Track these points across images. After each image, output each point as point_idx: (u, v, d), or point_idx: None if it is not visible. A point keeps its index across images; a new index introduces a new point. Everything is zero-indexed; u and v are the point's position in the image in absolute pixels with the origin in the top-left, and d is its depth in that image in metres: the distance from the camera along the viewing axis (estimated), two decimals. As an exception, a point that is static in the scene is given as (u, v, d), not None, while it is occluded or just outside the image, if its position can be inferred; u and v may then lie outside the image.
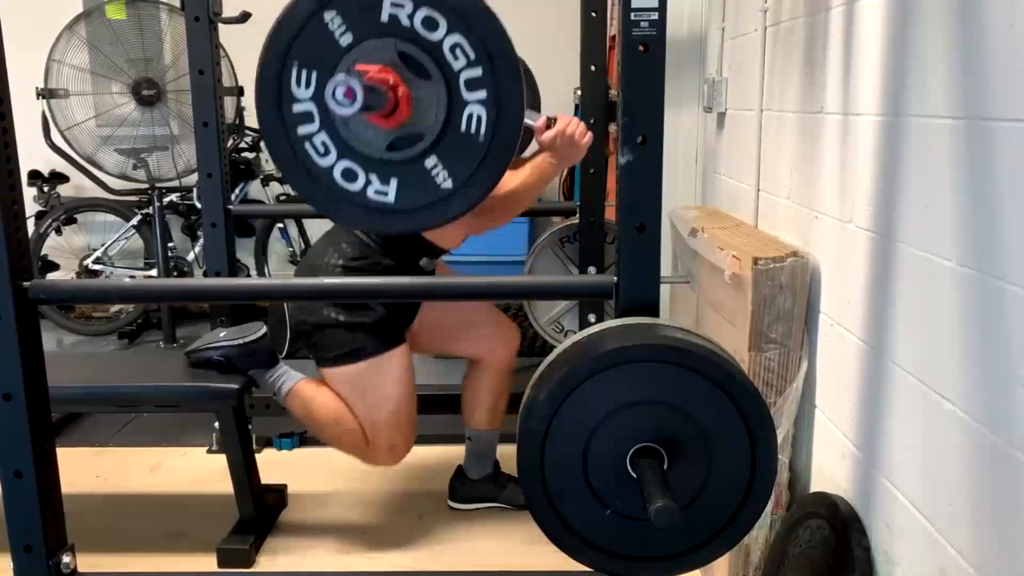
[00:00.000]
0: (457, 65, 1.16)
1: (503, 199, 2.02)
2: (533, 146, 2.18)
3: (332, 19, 1.15)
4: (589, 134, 2.15)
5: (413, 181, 1.20)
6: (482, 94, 1.17)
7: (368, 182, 1.20)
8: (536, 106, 2.88)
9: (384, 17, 1.15)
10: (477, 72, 1.16)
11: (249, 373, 2.20)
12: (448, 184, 1.20)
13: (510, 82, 1.16)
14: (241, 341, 2.20)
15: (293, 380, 2.21)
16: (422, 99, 1.16)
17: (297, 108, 1.18)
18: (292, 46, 1.16)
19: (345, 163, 1.19)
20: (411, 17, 1.15)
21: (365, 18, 1.15)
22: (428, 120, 1.18)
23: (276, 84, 1.17)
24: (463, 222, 1.99)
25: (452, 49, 1.16)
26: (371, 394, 2.14)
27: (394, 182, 1.20)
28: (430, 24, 1.15)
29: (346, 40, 1.15)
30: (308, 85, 1.17)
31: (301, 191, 1.22)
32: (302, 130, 1.18)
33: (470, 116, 1.18)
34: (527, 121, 2.05)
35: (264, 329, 2.25)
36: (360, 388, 2.14)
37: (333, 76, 1.15)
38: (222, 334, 2.23)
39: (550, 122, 2.16)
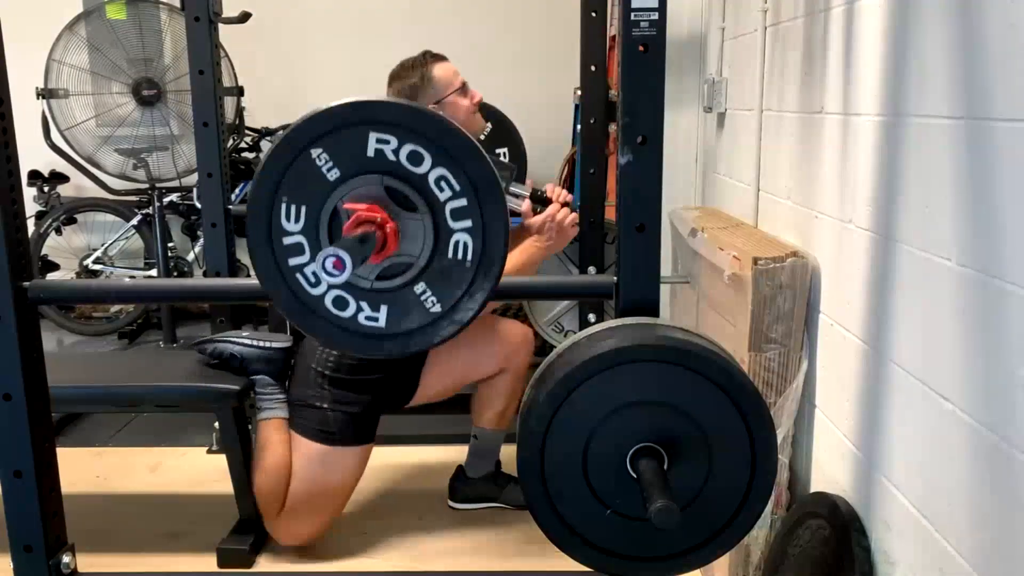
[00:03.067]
0: (443, 196, 1.19)
1: None
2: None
3: (319, 156, 1.18)
4: (575, 216, 2.26)
5: (403, 307, 1.23)
6: (468, 223, 1.20)
7: (359, 309, 1.23)
8: (521, 164, 2.91)
9: (370, 152, 1.18)
10: (462, 202, 1.19)
11: (253, 377, 2.20)
12: (437, 308, 1.23)
13: (495, 209, 1.20)
14: (266, 345, 2.21)
15: (275, 413, 2.23)
16: (409, 230, 1.20)
17: (287, 240, 1.21)
18: (281, 181, 1.19)
19: (336, 292, 1.23)
20: (396, 152, 1.18)
21: (351, 154, 1.18)
22: (416, 249, 1.21)
23: (266, 217, 1.20)
24: None
25: (437, 182, 1.19)
26: (317, 476, 2.17)
27: (384, 308, 1.23)
28: (415, 159, 1.18)
29: (333, 175, 1.18)
30: (298, 219, 1.20)
31: (293, 318, 1.25)
32: (293, 261, 1.21)
33: (456, 243, 1.21)
34: (511, 205, 2.10)
35: (290, 343, 2.26)
36: (311, 465, 2.18)
37: (328, 215, 1.19)
38: (245, 334, 2.24)
39: (535, 197, 2.23)
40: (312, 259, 1.20)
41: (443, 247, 1.21)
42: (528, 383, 1.31)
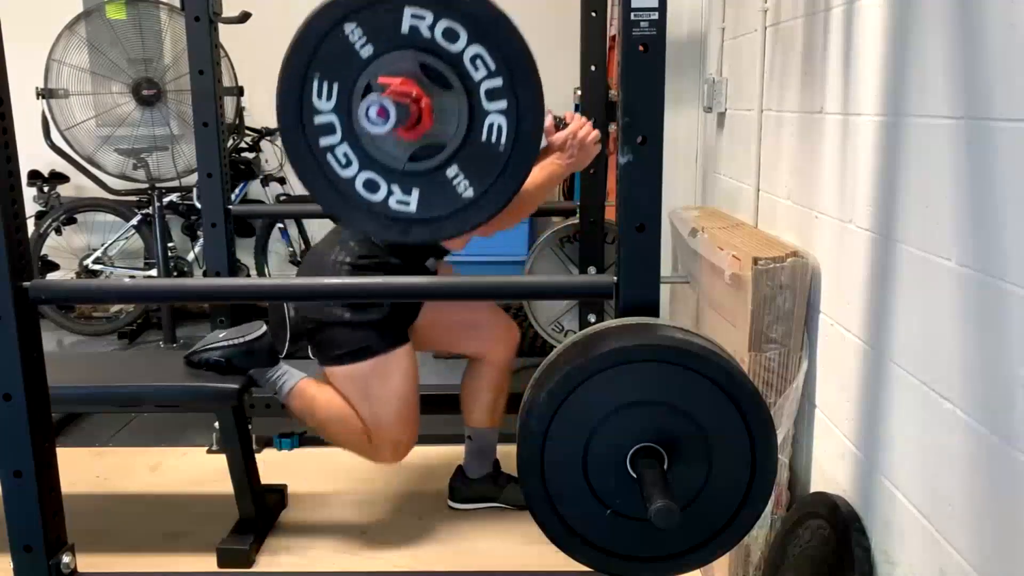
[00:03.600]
0: (478, 76, 1.16)
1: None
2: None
3: (352, 31, 1.14)
4: (597, 132, 2.17)
5: (435, 190, 1.21)
6: (503, 104, 1.17)
7: (390, 192, 1.21)
8: None
9: (404, 29, 1.15)
10: (498, 83, 1.17)
11: (250, 373, 2.20)
12: (469, 193, 1.21)
13: (530, 92, 1.17)
14: (240, 340, 2.20)
15: (294, 379, 2.22)
16: (443, 110, 1.17)
17: (319, 120, 1.18)
18: (313, 58, 1.16)
19: (367, 174, 1.20)
20: (431, 29, 1.15)
21: (385, 30, 1.15)
22: (449, 130, 1.18)
23: (297, 96, 1.17)
24: None
25: (472, 60, 1.16)
26: (376, 393, 2.15)
27: (416, 192, 1.21)
28: (450, 36, 1.15)
29: (367, 52, 1.15)
30: (329, 97, 1.17)
31: (323, 202, 1.22)
32: (324, 141, 1.19)
33: (491, 126, 1.18)
34: None
35: (264, 328, 2.25)
36: (365, 387, 2.15)
37: (360, 93, 1.15)
38: (221, 335, 2.23)
39: (557, 122, 2.17)
40: (343, 140, 1.17)
41: (477, 129, 1.18)
42: (519, 381, 1.31)
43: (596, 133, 2.19)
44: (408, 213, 1.21)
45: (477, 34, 1.15)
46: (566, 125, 2.21)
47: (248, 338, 2.21)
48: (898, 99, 1.37)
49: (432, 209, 1.21)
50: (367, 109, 1.07)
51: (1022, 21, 1.04)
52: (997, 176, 1.09)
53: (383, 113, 1.07)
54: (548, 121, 2.15)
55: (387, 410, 2.15)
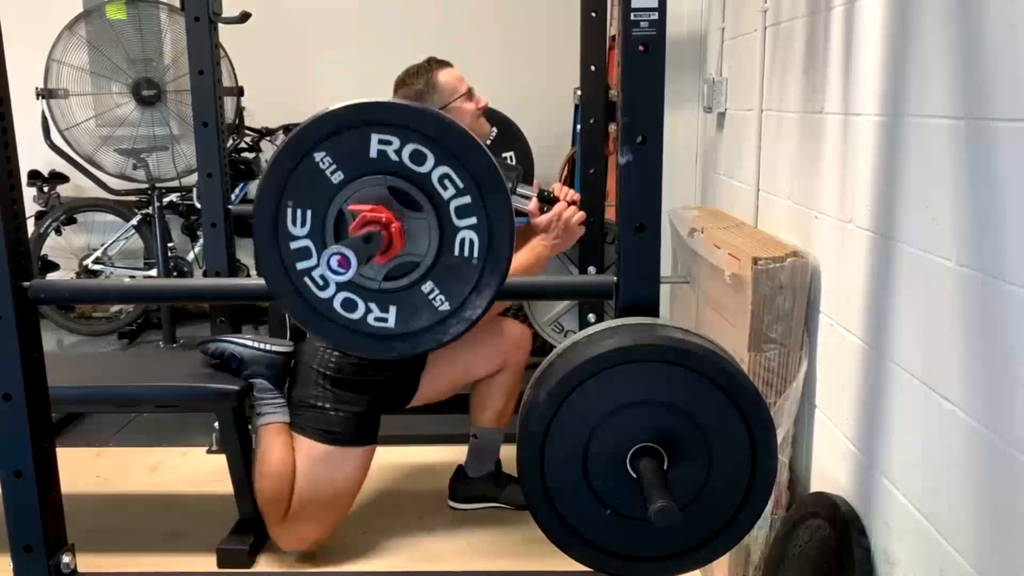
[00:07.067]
0: (447, 195, 1.20)
1: None
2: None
3: (322, 159, 1.18)
4: (582, 214, 2.26)
5: (411, 306, 1.24)
6: (473, 220, 1.21)
7: (368, 311, 1.24)
8: (527, 166, 2.93)
9: (373, 154, 1.19)
10: (466, 200, 1.20)
11: (251, 380, 2.20)
12: (446, 307, 1.24)
13: (499, 206, 1.20)
14: (266, 348, 2.21)
15: (275, 417, 2.21)
16: (414, 230, 1.21)
17: (295, 245, 1.21)
18: (286, 186, 1.19)
19: (344, 294, 1.23)
20: (399, 153, 1.18)
21: (354, 156, 1.18)
22: (422, 249, 1.22)
23: (272, 222, 1.20)
24: None
25: (441, 180, 1.19)
26: (322, 476, 2.17)
27: (393, 309, 1.24)
28: (418, 158, 1.19)
29: (337, 178, 1.19)
30: (304, 223, 1.20)
31: (303, 322, 1.25)
32: (300, 265, 1.22)
33: (462, 241, 1.22)
34: (517, 204, 2.12)
35: (290, 348, 2.26)
36: (315, 466, 2.17)
37: (334, 219, 1.19)
38: (248, 336, 2.25)
39: (543, 197, 2.25)
40: (319, 264, 1.21)
41: (449, 245, 1.21)
42: (527, 382, 1.31)
43: (581, 215, 2.27)
44: (387, 329, 1.25)
45: (443, 155, 1.18)
46: (552, 196, 2.28)
47: (273, 349, 2.22)
48: (898, 99, 1.37)
49: (411, 324, 1.25)
50: (328, 260, 1.12)
51: (1022, 21, 1.04)
52: (997, 176, 1.09)
53: (344, 263, 1.12)
54: (533, 204, 2.23)
55: (319, 497, 2.16)
